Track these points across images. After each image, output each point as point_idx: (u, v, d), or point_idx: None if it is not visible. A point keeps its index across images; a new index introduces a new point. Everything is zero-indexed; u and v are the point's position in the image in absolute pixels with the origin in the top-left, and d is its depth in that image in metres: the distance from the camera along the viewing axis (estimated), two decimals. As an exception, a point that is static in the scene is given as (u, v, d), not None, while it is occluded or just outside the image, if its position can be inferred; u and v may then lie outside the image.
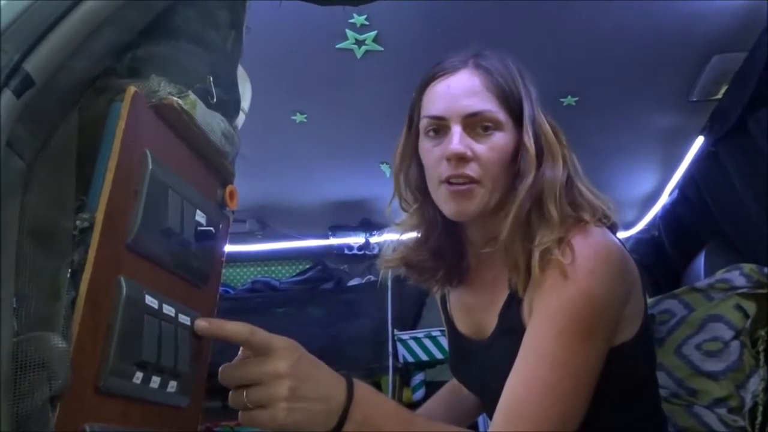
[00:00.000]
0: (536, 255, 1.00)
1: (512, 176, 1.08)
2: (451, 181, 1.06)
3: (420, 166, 1.15)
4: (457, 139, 1.05)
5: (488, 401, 1.19)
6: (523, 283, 1.04)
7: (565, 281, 0.97)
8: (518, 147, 1.08)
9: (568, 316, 0.96)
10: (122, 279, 0.83)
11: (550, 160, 1.07)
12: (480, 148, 1.06)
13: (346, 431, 0.81)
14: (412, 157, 1.17)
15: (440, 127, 1.09)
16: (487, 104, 1.07)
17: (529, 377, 0.95)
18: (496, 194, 1.07)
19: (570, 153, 1.11)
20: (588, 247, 1.00)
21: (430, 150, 1.10)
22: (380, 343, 2.93)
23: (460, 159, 1.04)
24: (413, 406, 2.63)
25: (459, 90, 1.08)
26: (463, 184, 1.05)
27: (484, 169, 1.06)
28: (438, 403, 1.50)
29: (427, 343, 2.90)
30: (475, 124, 1.07)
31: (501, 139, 1.07)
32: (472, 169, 1.05)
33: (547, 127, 1.10)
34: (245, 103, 1.24)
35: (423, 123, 1.12)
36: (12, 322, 0.71)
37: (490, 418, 1.20)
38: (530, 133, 1.07)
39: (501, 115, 1.07)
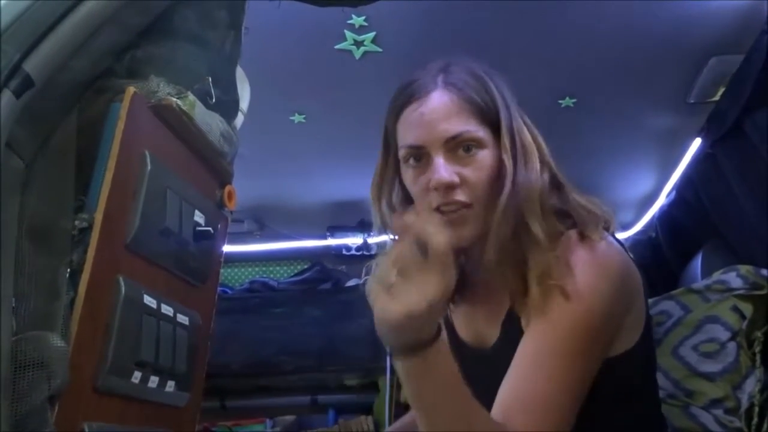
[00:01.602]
0: (533, 280, 0.97)
1: (492, 200, 1.03)
2: (442, 209, 1.02)
3: (404, 189, 1.13)
4: (441, 169, 1.00)
5: (489, 408, 1.18)
6: (521, 305, 1.01)
7: (567, 300, 0.95)
8: (497, 173, 1.02)
9: (567, 332, 0.95)
10: (121, 279, 0.83)
11: (522, 163, 1.02)
12: (466, 171, 1.01)
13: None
14: (393, 182, 1.14)
15: (421, 156, 1.04)
16: (464, 124, 1.02)
17: (525, 388, 0.94)
18: (490, 214, 1.04)
19: (545, 153, 1.08)
20: (592, 264, 0.97)
21: (415, 179, 1.05)
22: (378, 343, 2.90)
23: (448, 187, 1.00)
24: (410, 406, 2.63)
25: (433, 115, 1.03)
26: (455, 211, 1.01)
27: (473, 191, 1.01)
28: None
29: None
30: (457, 146, 1.02)
31: (485, 157, 1.02)
32: (461, 195, 1.01)
33: (525, 133, 1.06)
34: (244, 103, 1.25)
35: (402, 152, 1.06)
36: (11, 321, 0.71)
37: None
38: (507, 145, 1.03)
39: (481, 133, 1.03)
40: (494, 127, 1.04)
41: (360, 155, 2.44)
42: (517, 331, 1.04)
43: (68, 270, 0.78)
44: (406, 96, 1.06)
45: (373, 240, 3.02)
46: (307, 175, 2.59)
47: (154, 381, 0.88)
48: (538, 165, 1.04)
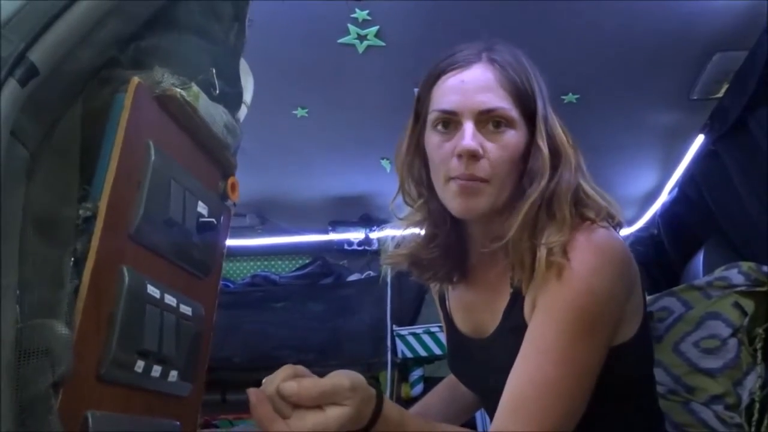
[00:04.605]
0: (543, 253, 0.99)
1: (520, 175, 1.06)
2: (460, 178, 1.04)
3: (425, 161, 1.14)
4: (470, 136, 1.02)
5: (487, 398, 1.18)
6: (527, 281, 1.03)
7: (568, 279, 0.97)
8: (529, 145, 1.06)
9: (571, 313, 0.96)
10: (125, 268, 0.84)
11: (567, 163, 1.05)
12: (491, 146, 1.03)
13: None
14: (417, 152, 1.15)
15: (451, 122, 1.06)
16: (501, 101, 1.04)
17: (534, 374, 0.95)
18: (504, 193, 1.05)
19: (578, 153, 1.10)
20: (592, 246, 1.00)
21: (438, 145, 1.07)
22: (379, 338, 2.94)
23: (471, 156, 1.02)
24: (411, 401, 2.64)
25: (472, 85, 1.05)
26: (471, 181, 1.03)
27: (493, 168, 1.03)
28: (436, 399, 1.49)
29: (426, 338, 2.91)
30: (488, 120, 1.04)
31: (513, 137, 1.04)
32: (481, 168, 1.03)
33: (559, 129, 1.08)
34: (247, 96, 1.25)
35: (432, 117, 1.08)
36: (15, 309, 0.71)
37: (489, 414, 1.20)
38: (543, 133, 1.05)
39: (514, 113, 1.04)
40: (526, 112, 1.06)
41: (362, 150, 2.46)
42: (517, 318, 1.05)
43: (72, 259, 0.79)
44: (448, 63, 1.09)
45: (375, 234, 3.03)
46: (309, 169, 2.60)
47: (157, 371, 0.88)
48: (572, 157, 1.06)
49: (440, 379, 1.54)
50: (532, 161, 1.05)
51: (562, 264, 0.98)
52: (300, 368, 0.81)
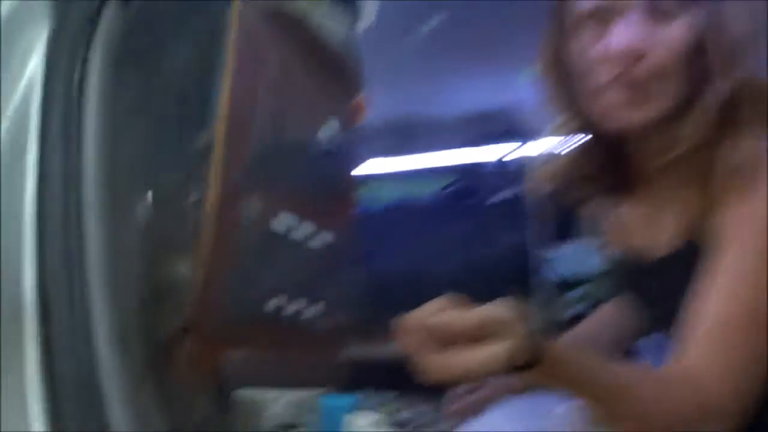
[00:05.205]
0: (724, 166, 0.87)
1: (694, 73, 0.89)
2: (617, 83, 0.90)
3: (573, 66, 0.99)
4: (626, 31, 0.87)
5: (659, 324, 1.07)
6: (706, 198, 0.91)
7: (758, 196, 0.85)
8: (703, 36, 0.88)
9: (763, 236, 0.84)
10: (248, 200, 0.79)
11: (753, 55, 0.89)
12: (654, 42, 0.88)
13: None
14: (561, 55, 1.00)
15: (603, 16, 0.91)
16: None
17: (725, 305, 0.84)
18: (672, 98, 0.90)
19: None
20: None
21: (590, 46, 0.93)
22: (530, 258, 2.90)
23: (630, 56, 0.88)
24: (568, 324, 2.56)
25: None
26: (633, 86, 0.89)
27: (658, 68, 0.88)
28: (595, 324, 1.41)
29: (583, 256, 2.79)
30: (648, 9, 0.88)
31: (681, 27, 0.88)
32: (643, 69, 0.88)
33: (743, 11, 0.90)
34: (373, 5, 1.15)
35: (580, 11, 0.94)
36: (143, 250, 0.70)
37: (662, 340, 1.09)
38: (722, 20, 0.88)
39: None
40: None
41: (504, 60, 2.30)
42: (695, 239, 0.93)
43: (194, 194, 0.76)
44: None
45: (521, 151, 2.93)
46: (447, 83, 2.55)
47: (290, 307, 0.85)
48: (760, 47, 0.91)
49: (599, 300, 1.45)
50: (707, 56, 0.88)
51: (749, 178, 0.86)
52: (452, 299, 0.72)
